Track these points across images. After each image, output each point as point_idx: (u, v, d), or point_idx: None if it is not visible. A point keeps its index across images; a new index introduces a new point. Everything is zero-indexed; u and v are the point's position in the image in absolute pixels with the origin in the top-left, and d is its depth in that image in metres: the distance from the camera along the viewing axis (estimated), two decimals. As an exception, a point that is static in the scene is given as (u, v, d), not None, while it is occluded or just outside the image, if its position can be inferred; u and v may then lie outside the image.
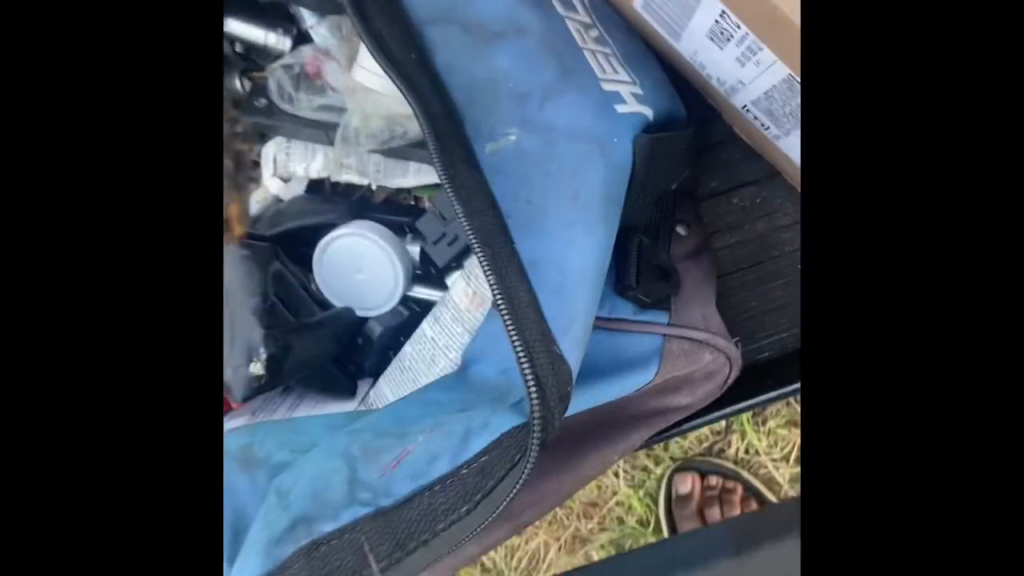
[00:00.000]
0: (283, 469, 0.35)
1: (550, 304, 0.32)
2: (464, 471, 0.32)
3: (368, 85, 0.43)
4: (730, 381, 0.41)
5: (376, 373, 0.47)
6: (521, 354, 0.30)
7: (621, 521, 0.97)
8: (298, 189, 0.49)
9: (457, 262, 0.47)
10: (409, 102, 0.34)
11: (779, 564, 0.31)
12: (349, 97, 0.45)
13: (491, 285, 0.31)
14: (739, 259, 0.46)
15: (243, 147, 0.27)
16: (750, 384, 0.44)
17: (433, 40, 0.36)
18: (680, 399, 0.41)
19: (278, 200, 0.49)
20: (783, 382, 0.42)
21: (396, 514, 0.32)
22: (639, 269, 0.40)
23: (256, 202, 0.50)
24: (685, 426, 0.43)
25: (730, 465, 0.92)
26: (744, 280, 0.46)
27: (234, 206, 0.27)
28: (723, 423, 0.94)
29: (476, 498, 0.31)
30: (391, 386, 0.45)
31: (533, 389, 0.30)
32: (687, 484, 0.92)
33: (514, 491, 0.30)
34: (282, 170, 0.48)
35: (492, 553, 1.00)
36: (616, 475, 0.96)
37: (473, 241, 0.32)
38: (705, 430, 0.95)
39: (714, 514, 0.89)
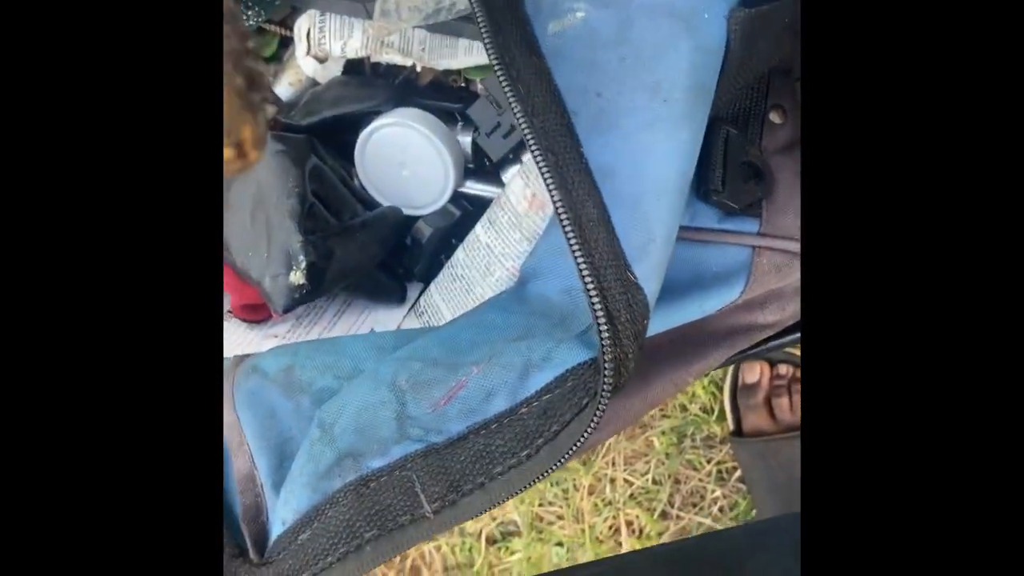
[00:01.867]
0: (327, 396, 0.32)
1: (624, 221, 0.27)
2: (524, 410, 0.28)
3: (411, -54, 0.37)
4: (826, 296, 0.36)
5: (427, 278, 0.43)
6: (590, 284, 0.25)
7: (684, 408, 0.95)
8: (335, 70, 0.44)
9: (514, 155, 0.42)
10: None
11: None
12: (388, -37, 0.38)
13: (554, 200, 0.26)
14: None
15: (256, 65, 0.23)
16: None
17: None
18: (767, 316, 0.36)
19: (314, 83, 0.44)
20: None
21: (449, 453, 0.29)
22: (725, 168, 0.34)
23: (289, 84, 0.45)
24: (772, 343, 0.38)
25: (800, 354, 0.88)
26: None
27: (247, 128, 0.23)
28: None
29: (538, 442, 0.27)
30: (443, 295, 0.41)
31: (604, 325, 0.25)
32: (755, 373, 0.89)
33: (582, 440, 0.26)
34: (316, 48, 0.42)
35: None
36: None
37: (533, 146, 0.27)
38: (775, 317, 0.90)
39: (783, 404, 0.86)
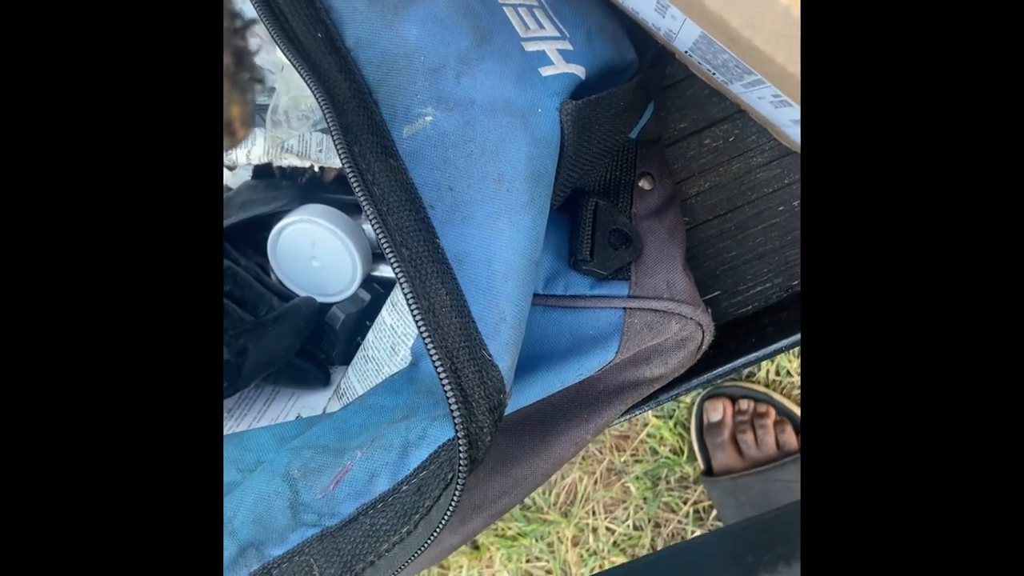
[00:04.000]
0: (231, 490, 0.34)
1: (478, 302, 0.30)
2: (404, 487, 0.30)
3: (293, 62, 0.40)
4: (704, 347, 0.38)
5: (347, 360, 0.45)
6: (440, 367, 0.28)
7: (655, 452, 0.96)
8: (245, 176, 0.47)
9: (416, 238, 0.44)
10: (311, 90, 0.31)
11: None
12: (277, 76, 0.42)
13: (404, 293, 0.28)
14: (714, 206, 0.42)
15: (242, 43, 0.25)
16: (733, 342, 0.41)
17: (340, 12, 0.33)
18: (652, 370, 0.38)
19: (227, 189, 0.47)
20: (769, 338, 0.39)
21: (341, 535, 0.31)
22: (594, 238, 0.36)
23: (206, 194, 0.48)
24: (663, 397, 0.40)
25: (761, 388, 0.90)
26: (722, 228, 0.42)
27: (235, 108, 0.24)
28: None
29: (415, 518, 0.29)
30: (358, 376, 0.43)
31: (455, 404, 0.27)
32: (718, 411, 0.90)
33: (449, 511, 0.28)
34: (225, 159, 0.45)
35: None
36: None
37: (384, 244, 0.29)
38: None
39: (748, 440, 0.87)
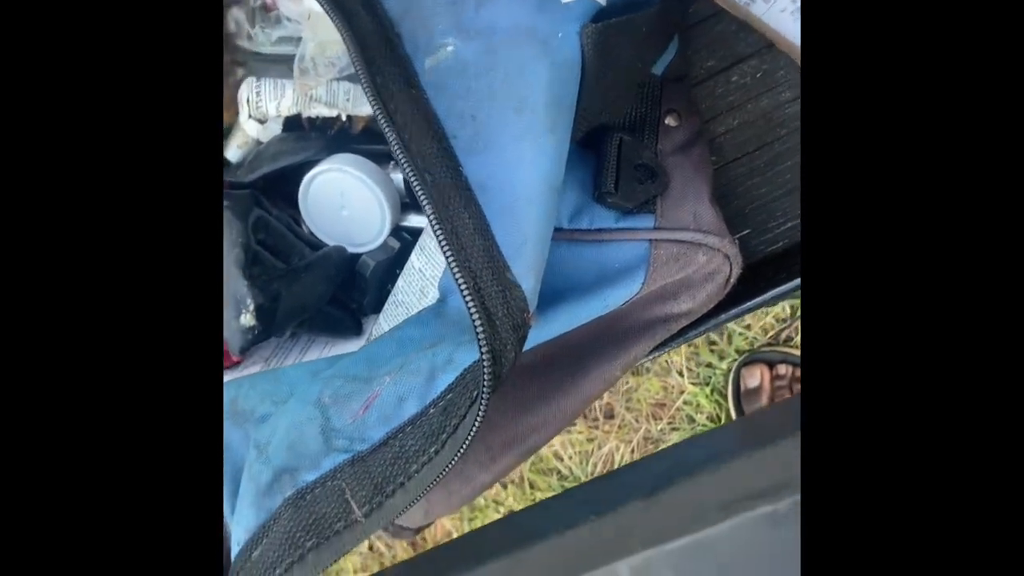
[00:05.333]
0: (265, 420, 0.35)
1: (500, 227, 0.30)
2: (431, 410, 0.31)
3: (320, 9, 0.41)
4: (732, 280, 0.38)
5: (377, 308, 0.46)
6: (464, 286, 0.28)
7: (691, 419, 0.96)
8: (276, 129, 0.47)
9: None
10: (334, 23, 0.32)
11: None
12: (304, 25, 0.42)
13: (428, 216, 0.29)
14: (743, 143, 0.42)
15: (228, 27, 0.26)
16: (763, 279, 0.40)
17: (362, -53, 0.33)
18: (680, 305, 0.38)
19: (258, 143, 0.48)
20: (799, 275, 0.39)
21: (372, 459, 0.31)
22: (619, 172, 0.36)
23: (238, 147, 0.49)
24: (691, 333, 0.40)
25: (798, 352, 0.88)
26: (751, 165, 0.42)
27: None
28: (787, 310, 0.90)
29: (443, 438, 0.30)
30: (388, 321, 0.44)
31: (479, 321, 0.28)
32: (756, 376, 0.89)
33: (474, 428, 0.29)
34: (256, 111, 0.46)
35: (567, 460, 1.00)
36: (680, 374, 0.94)
37: (408, 170, 0.30)
38: (769, 318, 0.91)
39: (784, 404, 0.86)
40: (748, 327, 0.92)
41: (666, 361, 0.94)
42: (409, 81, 0.32)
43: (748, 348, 0.92)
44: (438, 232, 0.28)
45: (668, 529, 0.16)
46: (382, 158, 0.46)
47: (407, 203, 0.46)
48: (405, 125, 0.31)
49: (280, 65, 0.44)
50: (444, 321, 0.35)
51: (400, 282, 0.43)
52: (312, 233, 0.47)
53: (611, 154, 0.37)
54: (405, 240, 0.46)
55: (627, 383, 0.96)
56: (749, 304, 0.39)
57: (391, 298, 0.44)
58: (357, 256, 0.46)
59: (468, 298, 0.28)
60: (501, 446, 0.40)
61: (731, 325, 0.92)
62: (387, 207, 0.44)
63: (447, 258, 0.28)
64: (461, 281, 0.28)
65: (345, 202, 0.45)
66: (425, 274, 0.42)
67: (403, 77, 0.32)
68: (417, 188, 0.29)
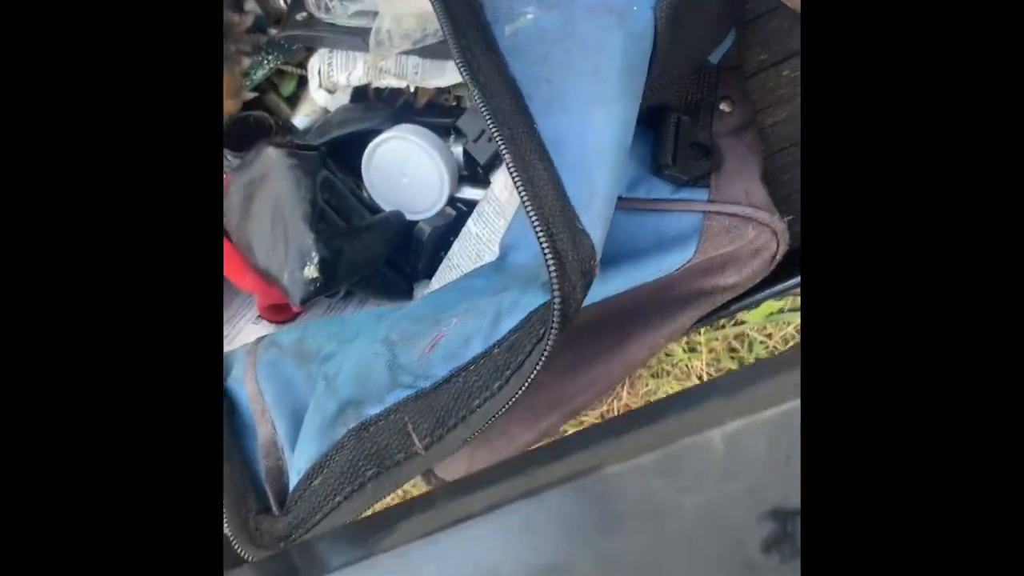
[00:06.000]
0: (331, 359, 0.37)
1: (571, 181, 0.32)
2: (496, 350, 0.33)
3: (397, -16, 0.43)
4: (779, 257, 0.40)
5: (430, 275, 0.48)
6: (539, 229, 0.30)
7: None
8: (344, 99, 0.50)
9: (498, 159, 0.47)
10: (425, -9, 0.34)
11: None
12: (381, -1, 0.45)
13: (507, 163, 0.31)
14: (790, 134, 0.44)
15: (234, 16, 0.27)
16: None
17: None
18: (726, 278, 0.40)
19: (326, 112, 0.51)
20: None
21: (435, 395, 0.33)
22: (676, 148, 0.39)
23: (305, 115, 0.51)
24: (733, 307, 0.42)
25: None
26: (796, 155, 0.44)
27: (224, 78, 0.26)
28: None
29: (507, 374, 0.32)
30: (440, 283, 0.46)
31: (552, 262, 0.30)
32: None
33: (539, 364, 0.31)
34: (326, 81, 0.49)
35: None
36: (700, 378, 0.95)
37: (490, 123, 0.32)
38: (790, 328, 0.92)
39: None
40: (769, 336, 0.93)
41: (686, 365, 0.96)
42: (490, 46, 0.35)
43: (768, 356, 0.93)
44: (517, 180, 0.30)
45: (759, 402, 0.18)
46: (442, 131, 0.48)
47: (464, 176, 0.48)
48: (487, 84, 0.33)
49: (354, 37, 0.47)
50: (505, 275, 0.37)
51: (455, 246, 0.45)
52: (372, 199, 0.49)
53: (669, 131, 0.39)
54: (460, 210, 0.48)
55: (647, 386, 0.97)
56: (788, 283, 0.41)
57: (445, 262, 0.46)
58: (414, 223, 0.48)
59: (542, 237, 0.30)
60: (546, 406, 0.42)
61: (752, 333, 0.94)
62: (446, 177, 0.47)
63: (523, 199, 0.30)
64: (536, 220, 0.30)
65: (406, 170, 0.47)
66: (482, 238, 0.44)
67: (484, 42, 0.34)
68: (496, 137, 0.31)
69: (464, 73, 0.33)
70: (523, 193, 0.30)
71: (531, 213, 0.30)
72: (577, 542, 0.20)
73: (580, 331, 0.40)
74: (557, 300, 0.30)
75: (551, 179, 0.32)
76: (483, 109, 0.32)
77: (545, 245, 0.30)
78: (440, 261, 0.47)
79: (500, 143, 0.31)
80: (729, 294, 0.41)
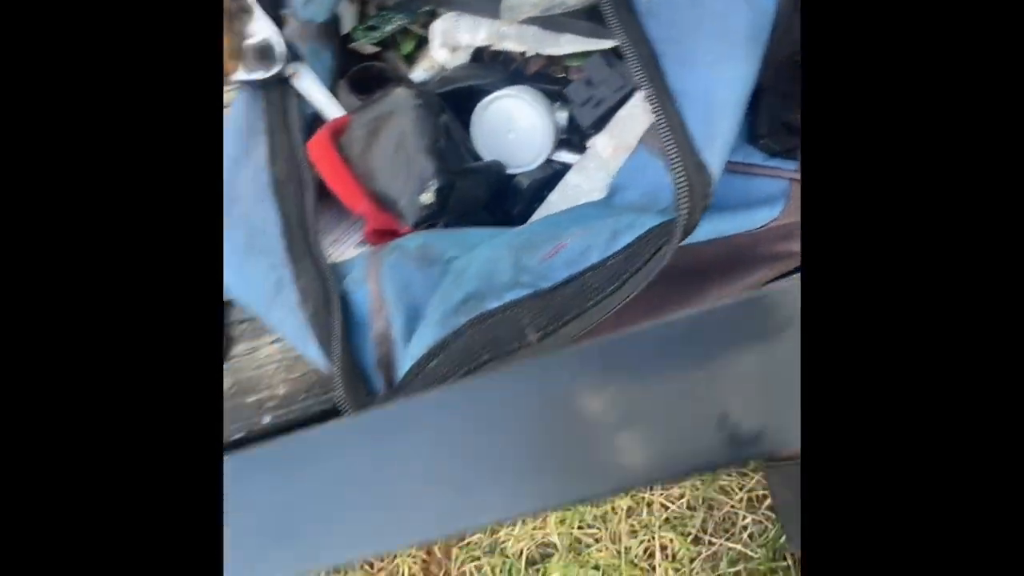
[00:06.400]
0: (456, 260, 0.42)
1: (695, 124, 0.37)
2: (612, 261, 0.38)
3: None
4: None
5: (524, 221, 0.53)
6: (672, 153, 0.35)
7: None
8: (463, 58, 0.55)
9: (598, 127, 0.52)
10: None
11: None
12: (515, -30, 0.50)
13: (646, 91, 0.36)
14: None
15: None
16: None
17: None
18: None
19: (443, 69, 0.56)
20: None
21: (553, 295, 0.38)
22: (770, 123, 0.44)
23: (424, 71, 0.57)
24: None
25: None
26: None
27: (225, 37, 0.26)
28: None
29: (623, 277, 0.36)
30: (538, 227, 0.51)
31: (681, 176, 0.35)
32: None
33: (655, 271, 0.35)
34: (449, 40, 0.54)
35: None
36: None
37: (632, 59, 0.37)
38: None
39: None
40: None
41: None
42: (629, 8, 0.40)
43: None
44: (656, 108, 0.36)
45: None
46: (550, 96, 0.53)
47: (563, 139, 0.54)
48: (631, 36, 0.38)
49: (481, 2, 0.52)
50: (615, 209, 0.42)
51: (553, 196, 0.50)
52: (475, 149, 0.54)
53: (765, 110, 0.44)
54: (556, 169, 0.54)
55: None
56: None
57: (543, 208, 0.51)
58: (511, 176, 0.54)
59: (674, 156, 0.35)
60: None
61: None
62: (549, 136, 0.52)
63: (659, 122, 0.35)
64: (670, 143, 0.35)
65: (512, 126, 0.53)
66: (582, 187, 0.49)
67: (625, 4, 0.40)
68: (637, 74, 0.37)
69: (614, 22, 0.38)
70: (661, 121, 0.36)
71: (665, 134, 0.35)
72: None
73: (667, 274, 0.45)
74: (685, 208, 0.35)
75: (678, 120, 0.37)
76: (628, 51, 0.37)
77: (675, 157, 0.35)
78: (533, 211, 0.52)
79: (641, 79, 0.36)
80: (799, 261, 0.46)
